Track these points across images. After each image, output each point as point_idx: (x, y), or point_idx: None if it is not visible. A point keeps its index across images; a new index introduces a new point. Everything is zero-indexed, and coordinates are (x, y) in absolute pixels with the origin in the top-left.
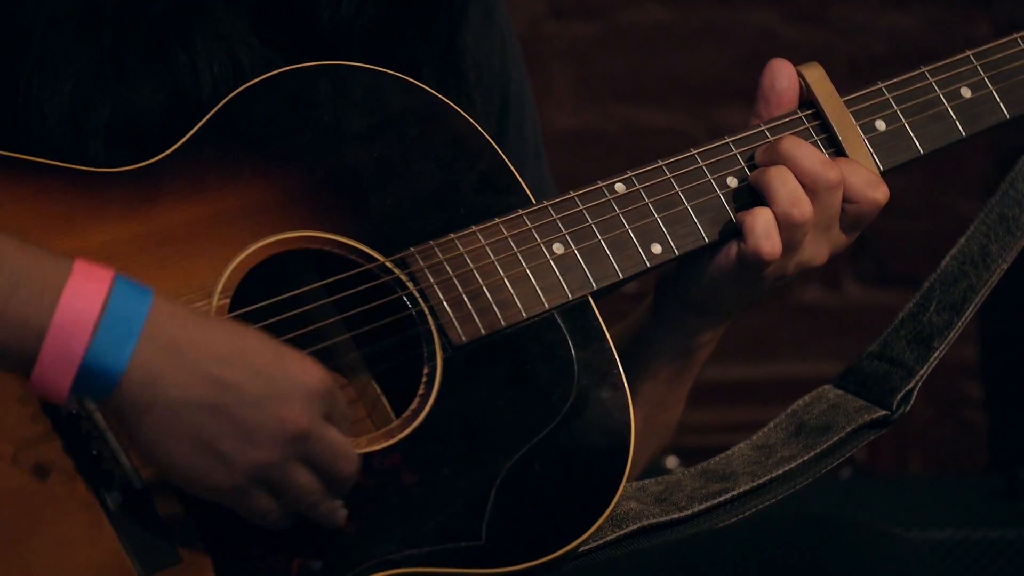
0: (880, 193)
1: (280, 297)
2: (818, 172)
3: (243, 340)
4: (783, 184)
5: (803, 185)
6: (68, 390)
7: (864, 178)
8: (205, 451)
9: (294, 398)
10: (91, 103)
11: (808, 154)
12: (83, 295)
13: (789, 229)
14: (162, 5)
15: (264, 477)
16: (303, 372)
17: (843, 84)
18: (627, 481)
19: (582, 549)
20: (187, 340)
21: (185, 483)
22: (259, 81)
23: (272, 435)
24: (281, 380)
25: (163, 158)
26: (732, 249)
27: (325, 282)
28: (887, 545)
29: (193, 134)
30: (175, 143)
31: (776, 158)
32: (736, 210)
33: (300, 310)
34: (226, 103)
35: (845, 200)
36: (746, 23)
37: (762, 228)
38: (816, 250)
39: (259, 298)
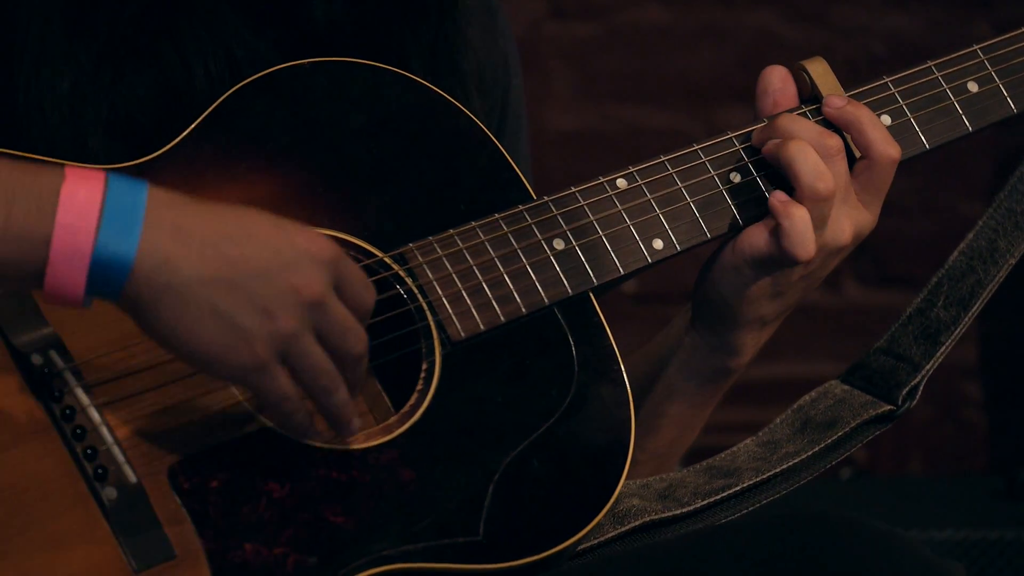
0: (895, 149)
1: None
2: (818, 141)
3: (245, 217)
4: (805, 160)
5: None
6: (83, 289)
7: (882, 132)
8: (226, 328)
9: (303, 266)
10: (89, 100)
11: (806, 126)
12: (80, 194)
13: (815, 207)
14: (149, 2)
15: (285, 350)
16: (308, 241)
17: (843, 84)
18: (627, 479)
19: (583, 546)
20: (191, 221)
21: (211, 366)
22: (256, 79)
23: (288, 304)
24: (288, 250)
25: (159, 155)
26: (752, 238)
27: None
28: (887, 544)
29: (189, 132)
30: (171, 139)
31: (772, 134)
32: (739, 205)
33: None
34: (223, 101)
35: (862, 153)
36: (746, 23)
37: (799, 232)
38: (837, 228)
39: None
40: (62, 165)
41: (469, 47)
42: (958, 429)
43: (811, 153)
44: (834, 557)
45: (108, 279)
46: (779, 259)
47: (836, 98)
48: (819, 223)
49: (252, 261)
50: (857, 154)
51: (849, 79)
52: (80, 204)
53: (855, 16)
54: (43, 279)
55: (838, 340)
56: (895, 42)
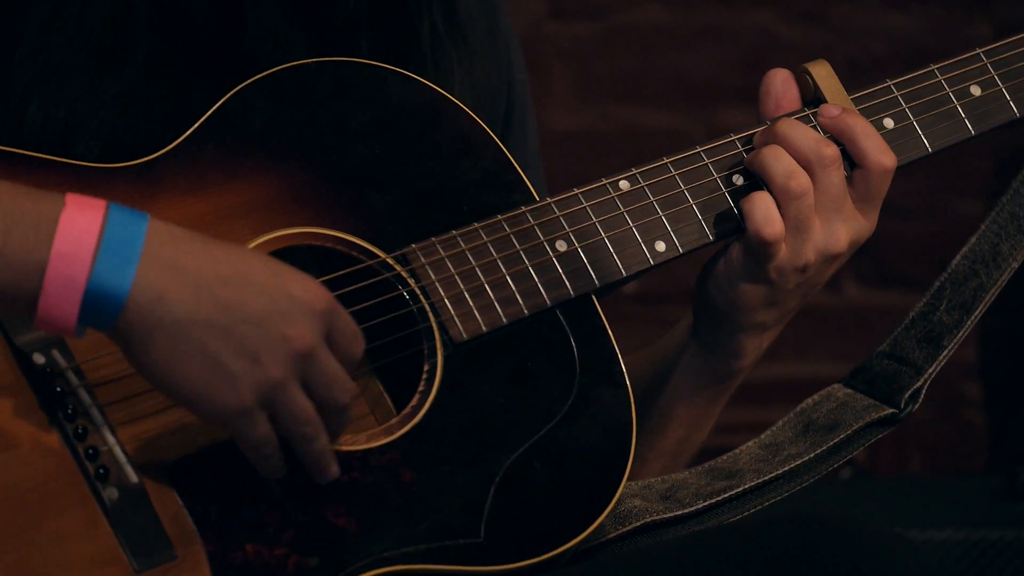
0: (889, 159)
1: None
2: (813, 149)
3: (244, 260)
4: (776, 161)
5: (800, 164)
6: (75, 319)
7: (876, 142)
8: (213, 370)
9: (296, 316)
10: (89, 121)
11: (803, 133)
12: (79, 223)
13: (791, 205)
14: (190, 42)
15: (269, 398)
16: (304, 291)
17: (845, 86)
18: (629, 480)
19: (585, 547)
20: (189, 260)
21: (194, 405)
22: (259, 78)
23: (277, 352)
24: (283, 298)
25: (163, 155)
26: (739, 244)
27: (326, 278)
28: (887, 545)
29: (193, 131)
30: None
31: (771, 139)
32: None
33: None
34: (226, 101)
35: (856, 164)
36: (746, 23)
37: (761, 212)
38: (831, 235)
39: None
40: (63, 192)
41: (474, 33)
42: (958, 429)
43: (783, 155)
44: (834, 558)
45: (101, 311)
46: (754, 249)
47: (831, 107)
48: (800, 224)
49: (246, 307)
50: None
51: (850, 79)
52: (78, 233)
53: (855, 16)
54: (36, 306)
55: (838, 340)
56: (895, 42)
